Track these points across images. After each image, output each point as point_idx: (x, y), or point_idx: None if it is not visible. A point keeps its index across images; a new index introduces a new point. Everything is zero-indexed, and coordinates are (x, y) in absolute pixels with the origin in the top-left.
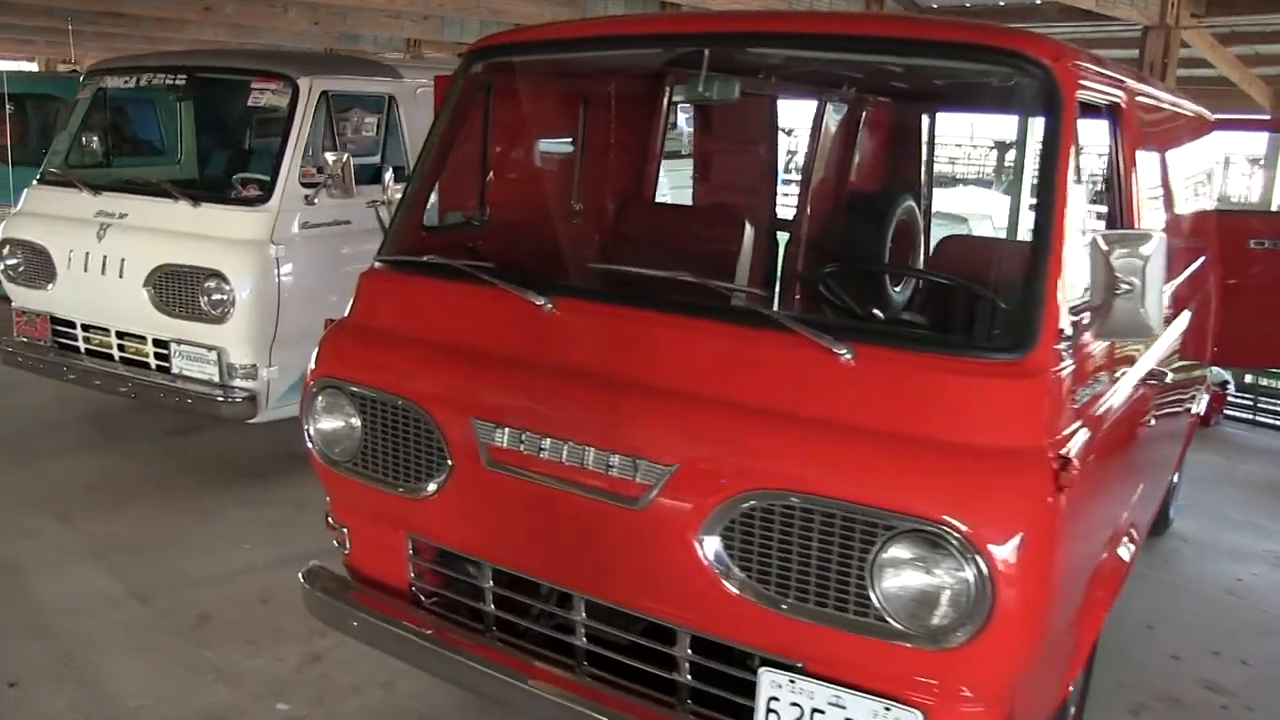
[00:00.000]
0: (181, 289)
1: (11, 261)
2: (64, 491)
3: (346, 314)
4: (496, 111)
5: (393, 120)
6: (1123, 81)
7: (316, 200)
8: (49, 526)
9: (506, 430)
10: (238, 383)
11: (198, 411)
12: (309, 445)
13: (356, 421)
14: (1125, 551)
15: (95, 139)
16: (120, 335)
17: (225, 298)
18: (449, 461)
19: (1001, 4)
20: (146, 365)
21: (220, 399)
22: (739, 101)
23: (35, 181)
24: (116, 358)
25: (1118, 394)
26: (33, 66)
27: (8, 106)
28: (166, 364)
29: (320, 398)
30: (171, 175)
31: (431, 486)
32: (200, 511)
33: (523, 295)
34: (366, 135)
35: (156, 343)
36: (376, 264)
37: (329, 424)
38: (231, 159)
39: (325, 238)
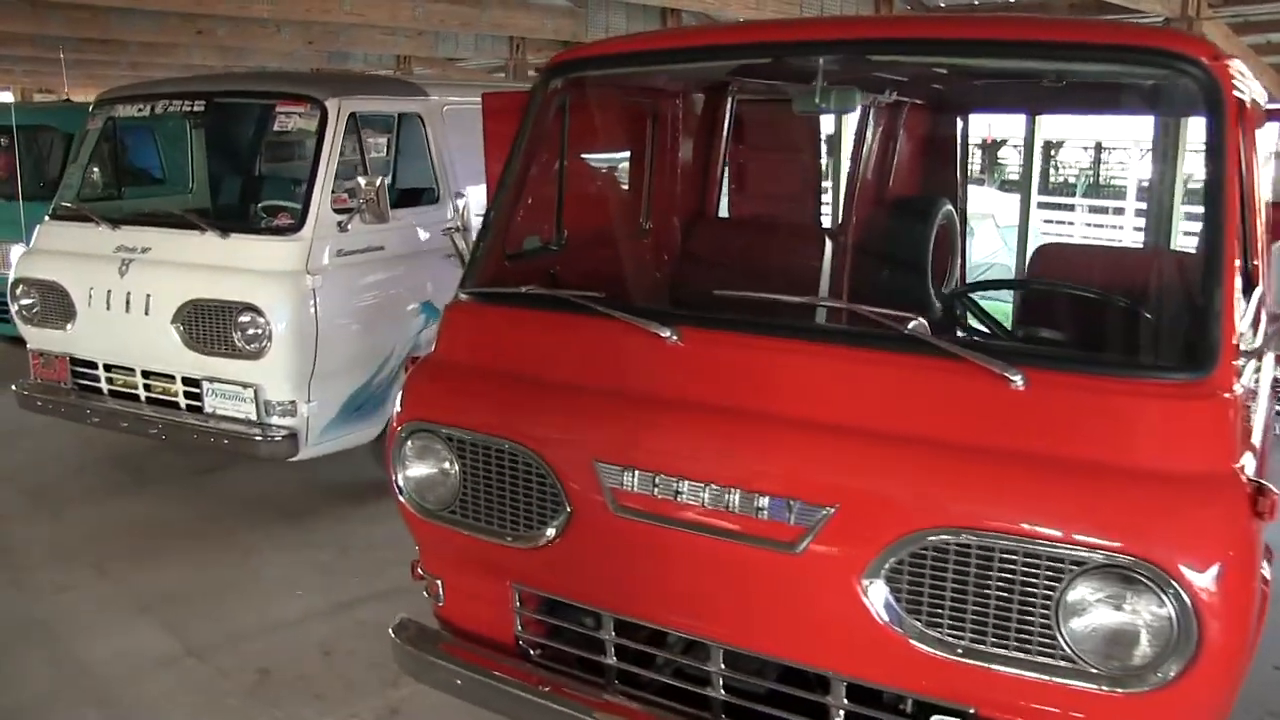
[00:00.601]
0: (213, 324)
1: (26, 302)
2: (96, 540)
3: (431, 351)
4: (570, 129)
5: (419, 140)
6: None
7: (350, 227)
8: (85, 579)
9: (636, 473)
10: (275, 420)
11: (235, 452)
12: (397, 493)
13: (453, 467)
14: (1269, 572)
15: (105, 170)
16: (146, 375)
17: (260, 332)
18: (567, 508)
19: (1011, 1)
20: (175, 405)
21: (258, 438)
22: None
23: (47, 217)
24: (143, 398)
25: (1260, 409)
26: (7, 97)
27: (2, 141)
28: (198, 403)
29: (410, 443)
30: (182, 206)
31: (545, 535)
32: (243, 556)
33: (644, 327)
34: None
35: (186, 381)
36: (462, 296)
37: (421, 470)
38: (247, 187)
39: (360, 265)
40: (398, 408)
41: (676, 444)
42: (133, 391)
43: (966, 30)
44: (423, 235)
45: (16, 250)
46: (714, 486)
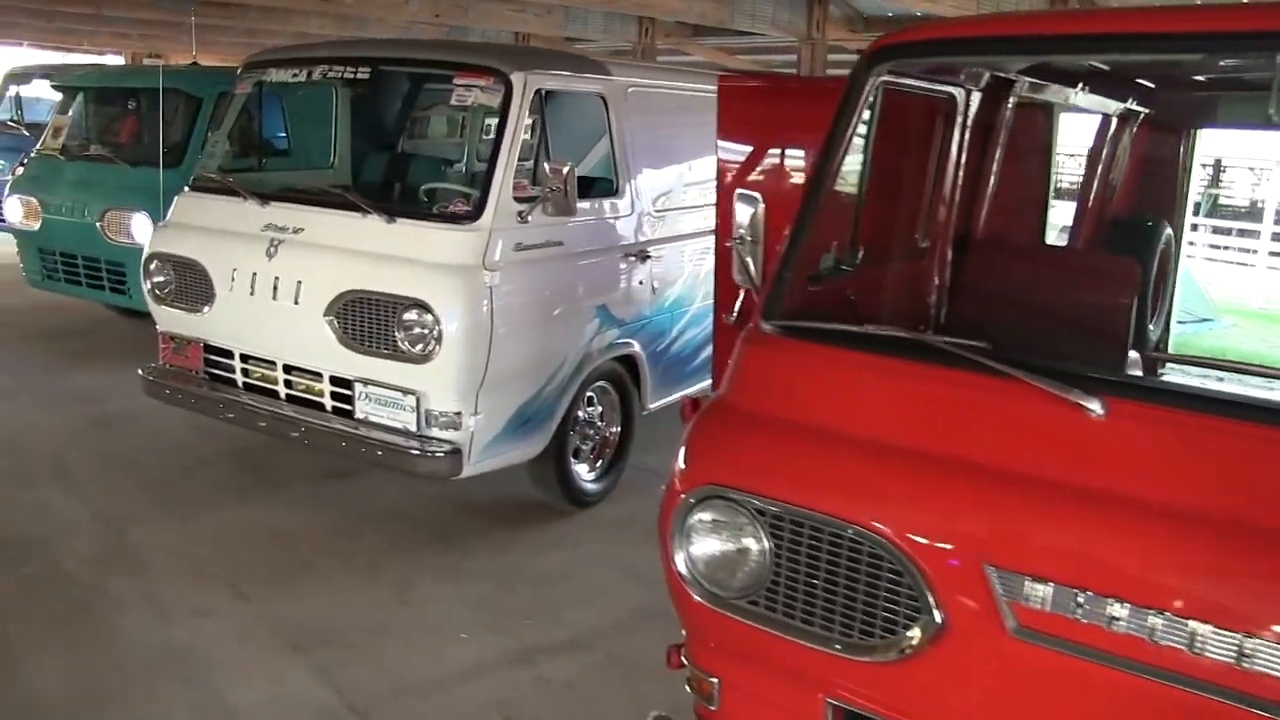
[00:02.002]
0: (372, 320)
1: (160, 279)
2: (229, 554)
3: (721, 391)
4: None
5: (600, 124)
6: None
7: (530, 218)
8: (224, 604)
9: (1051, 587)
10: (437, 433)
11: (387, 466)
12: (676, 572)
13: (759, 545)
14: None
15: (245, 140)
16: (289, 370)
17: (428, 332)
18: (935, 618)
19: (918, 13)
20: (320, 406)
21: (417, 452)
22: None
23: (186, 188)
24: (283, 395)
25: None
26: (118, 60)
27: (129, 104)
28: (347, 406)
29: (702, 513)
30: (323, 182)
31: (893, 647)
32: (392, 586)
33: (1058, 392)
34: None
35: (335, 381)
36: (765, 328)
37: (713, 547)
38: (405, 167)
39: (539, 263)
40: (681, 465)
41: (1114, 553)
42: (271, 387)
43: None
44: (601, 231)
45: (138, 219)
46: (1170, 616)
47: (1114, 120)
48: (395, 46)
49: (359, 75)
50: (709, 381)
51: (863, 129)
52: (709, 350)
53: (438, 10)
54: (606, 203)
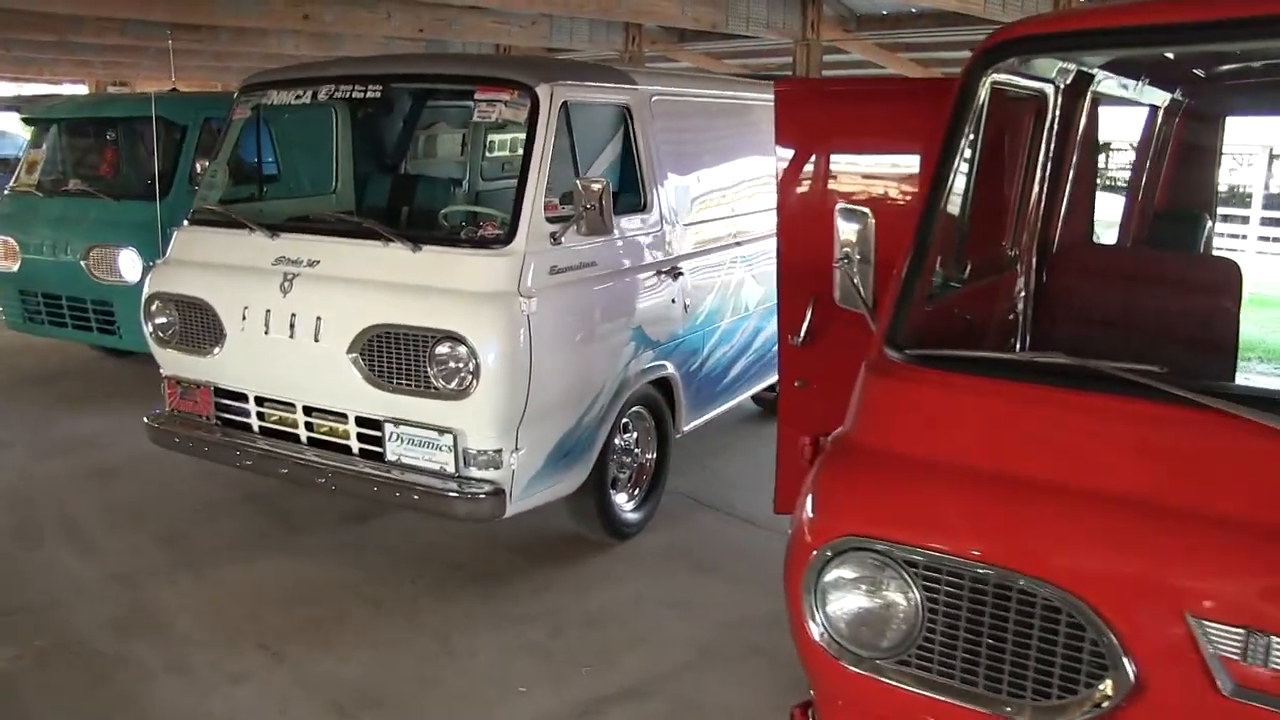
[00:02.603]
0: (401, 356)
1: (162, 320)
2: (256, 609)
3: (847, 429)
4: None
5: (625, 136)
6: None
7: (563, 239)
8: (258, 666)
9: (1271, 641)
10: (476, 473)
11: (424, 510)
12: (810, 634)
13: (909, 600)
14: None
15: (242, 168)
16: (309, 411)
17: (464, 366)
18: (1128, 676)
19: (913, 10)
20: (345, 449)
21: (455, 495)
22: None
23: (185, 221)
24: (303, 438)
25: None
26: (81, 89)
27: (108, 135)
28: (377, 448)
29: (840, 568)
30: (324, 209)
31: (1077, 708)
32: (435, 636)
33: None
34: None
35: (362, 421)
36: (893, 356)
37: (853, 604)
38: (419, 190)
39: (574, 286)
40: (810, 514)
41: None
42: (291, 431)
43: None
44: (631, 248)
45: (125, 255)
46: None
47: (1161, 111)
48: (409, 62)
49: (369, 94)
50: (741, 398)
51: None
52: (741, 366)
53: (421, 25)
54: (635, 218)
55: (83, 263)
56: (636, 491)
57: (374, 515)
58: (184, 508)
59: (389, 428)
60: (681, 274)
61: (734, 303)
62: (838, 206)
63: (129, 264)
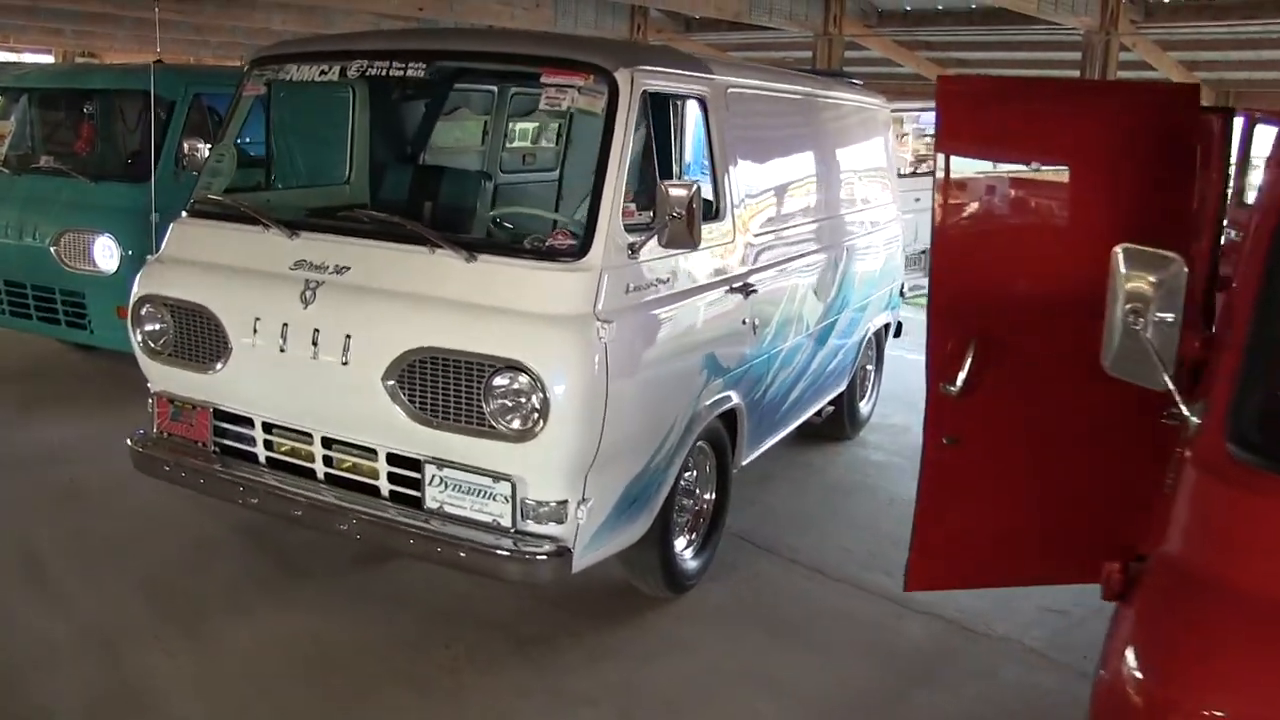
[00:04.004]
0: (449, 387)
1: (153, 327)
2: (267, 683)
3: (1176, 549)
4: None
5: (698, 132)
6: None
7: (641, 251)
8: None
9: None
10: (535, 527)
11: (471, 570)
12: None
13: None
14: None
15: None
16: (329, 443)
17: (528, 402)
18: None
19: (939, 7)
20: (372, 491)
21: (507, 554)
22: None
23: (184, 214)
24: (320, 475)
25: None
26: (46, 58)
27: (85, 108)
28: (412, 492)
29: None
30: (337, 201)
31: None
32: (486, 716)
33: None
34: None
35: (395, 460)
36: (1244, 458)
37: None
38: (431, 183)
39: (649, 306)
40: (1140, 672)
41: None
42: (304, 465)
43: None
44: (705, 263)
45: (101, 242)
46: None
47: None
48: (459, 38)
49: (410, 72)
50: (794, 426)
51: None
52: (799, 391)
53: (422, 3)
54: (708, 227)
55: (52, 249)
56: (694, 536)
57: (382, 557)
58: (168, 544)
59: (430, 470)
60: (754, 291)
61: (797, 322)
62: (1121, 247)
63: (105, 252)
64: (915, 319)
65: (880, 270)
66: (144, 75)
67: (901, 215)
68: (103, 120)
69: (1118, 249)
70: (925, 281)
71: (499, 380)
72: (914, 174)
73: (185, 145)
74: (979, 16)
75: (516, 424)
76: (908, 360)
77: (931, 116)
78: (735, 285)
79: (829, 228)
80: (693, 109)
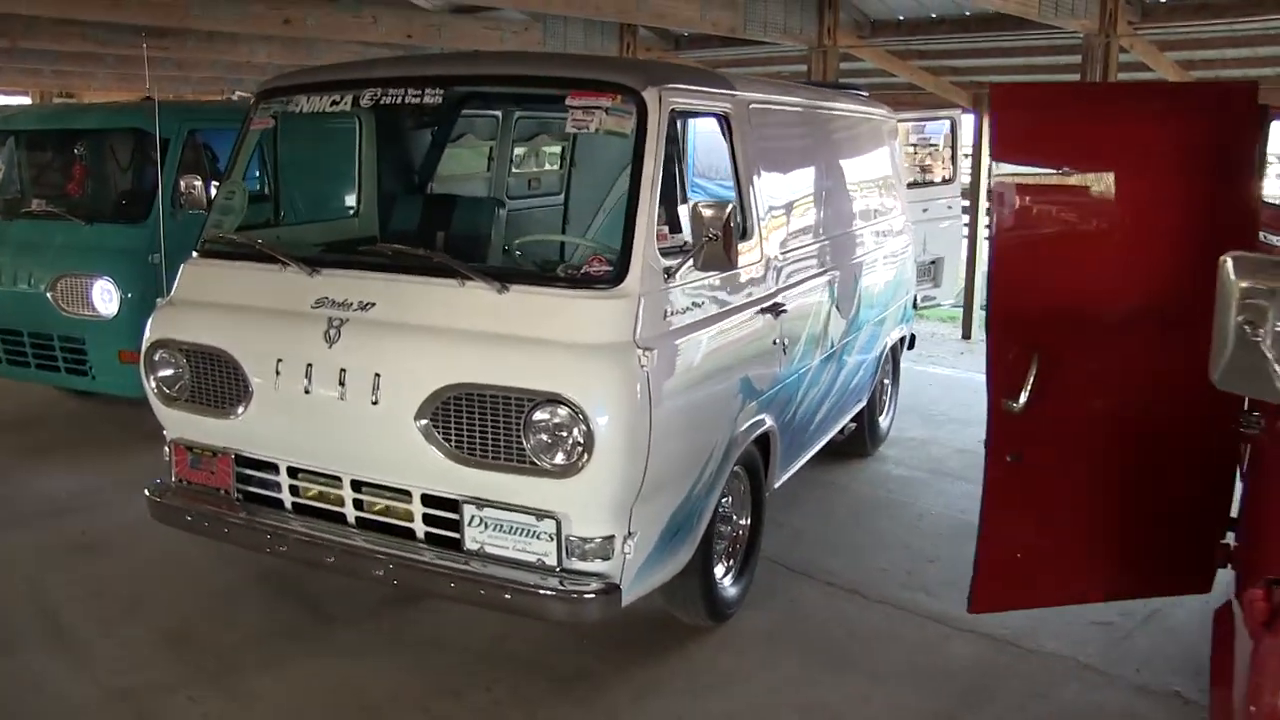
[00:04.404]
0: (487, 424)
1: (167, 373)
2: None
3: None
4: None
5: (719, 150)
6: None
7: (677, 276)
8: None
9: None
10: (580, 564)
11: (517, 612)
12: None
13: None
14: None
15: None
16: (358, 486)
17: (571, 436)
18: None
19: (934, 16)
20: (407, 534)
21: (553, 594)
22: None
23: (194, 253)
24: (351, 519)
25: None
26: (24, 100)
27: (76, 148)
28: (450, 533)
29: None
30: (348, 234)
31: None
32: None
33: None
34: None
35: (430, 501)
36: None
37: None
38: (442, 211)
39: (686, 331)
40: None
41: None
42: (333, 509)
43: None
44: (736, 284)
45: (100, 286)
46: None
47: None
48: (476, 62)
49: (427, 99)
50: (820, 444)
51: None
52: (826, 409)
53: (410, 30)
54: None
55: (49, 294)
56: (732, 562)
57: (420, 597)
58: (190, 594)
59: (469, 510)
60: (784, 310)
61: (823, 339)
62: (1230, 255)
63: (103, 296)
64: (925, 330)
65: (896, 282)
66: (137, 113)
67: (911, 226)
68: (95, 160)
69: (1227, 258)
70: (935, 293)
71: (539, 414)
72: (919, 184)
73: (183, 183)
74: (975, 23)
75: (559, 459)
76: (916, 372)
77: (935, 126)
78: (765, 305)
79: (848, 241)
80: (718, 126)
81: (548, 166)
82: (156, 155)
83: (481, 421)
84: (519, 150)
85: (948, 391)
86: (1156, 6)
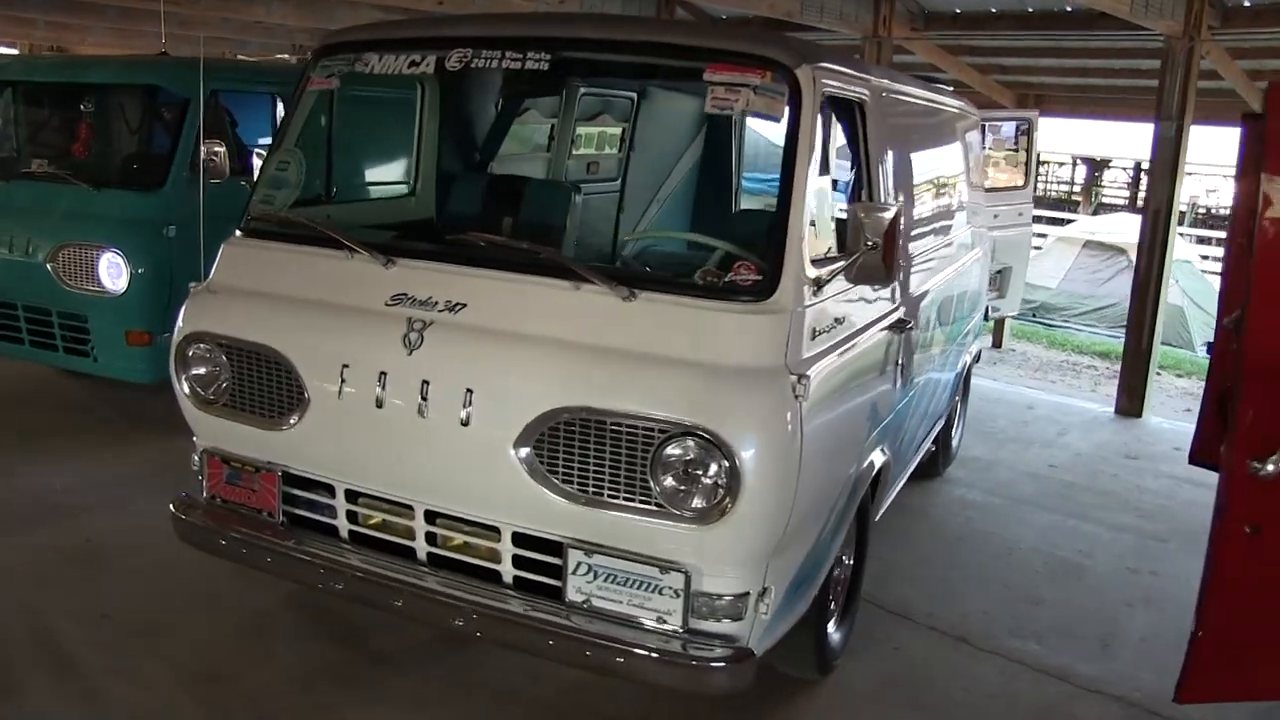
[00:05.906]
0: (605, 456)
1: (203, 371)
2: None
3: None
4: None
5: (853, 143)
6: None
7: (826, 289)
8: None
9: None
10: (708, 625)
11: (628, 678)
12: None
13: None
14: None
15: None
16: (431, 517)
17: (713, 477)
18: None
19: (993, 10)
20: (493, 576)
21: (674, 661)
22: None
23: (238, 232)
24: (422, 555)
25: None
26: (8, 50)
27: (83, 105)
28: (547, 580)
29: None
30: (402, 216)
31: None
32: None
33: None
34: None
35: (523, 540)
36: None
37: None
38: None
39: (828, 354)
40: None
41: None
42: (400, 542)
43: None
44: (867, 298)
45: (107, 259)
46: None
47: None
48: (594, 24)
49: (528, 65)
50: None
51: None
52: (921, 429)
53: None
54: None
55: (49, 265)
56: (833, 606)
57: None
58: (214, 621)
59: (575, 556)
60: (910, 327)
61: (930, 355)
62: None
63: (111, 270)
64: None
65: (978, 291)
66: (155, 69)
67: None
68: (103, 119)
69: None
70: (1000, 303)
71: (672, 449)
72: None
73: (205, 149)
74: (1038, 20)
75: (698, 503)
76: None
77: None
78: (892, 322)
79: (949, 247)
80: (854, 115)
81: (607, 150)
82: (160, 116)
83: (598, 453)
84: (581, 130)
85: (993, 405)
86: (1240, 10)
